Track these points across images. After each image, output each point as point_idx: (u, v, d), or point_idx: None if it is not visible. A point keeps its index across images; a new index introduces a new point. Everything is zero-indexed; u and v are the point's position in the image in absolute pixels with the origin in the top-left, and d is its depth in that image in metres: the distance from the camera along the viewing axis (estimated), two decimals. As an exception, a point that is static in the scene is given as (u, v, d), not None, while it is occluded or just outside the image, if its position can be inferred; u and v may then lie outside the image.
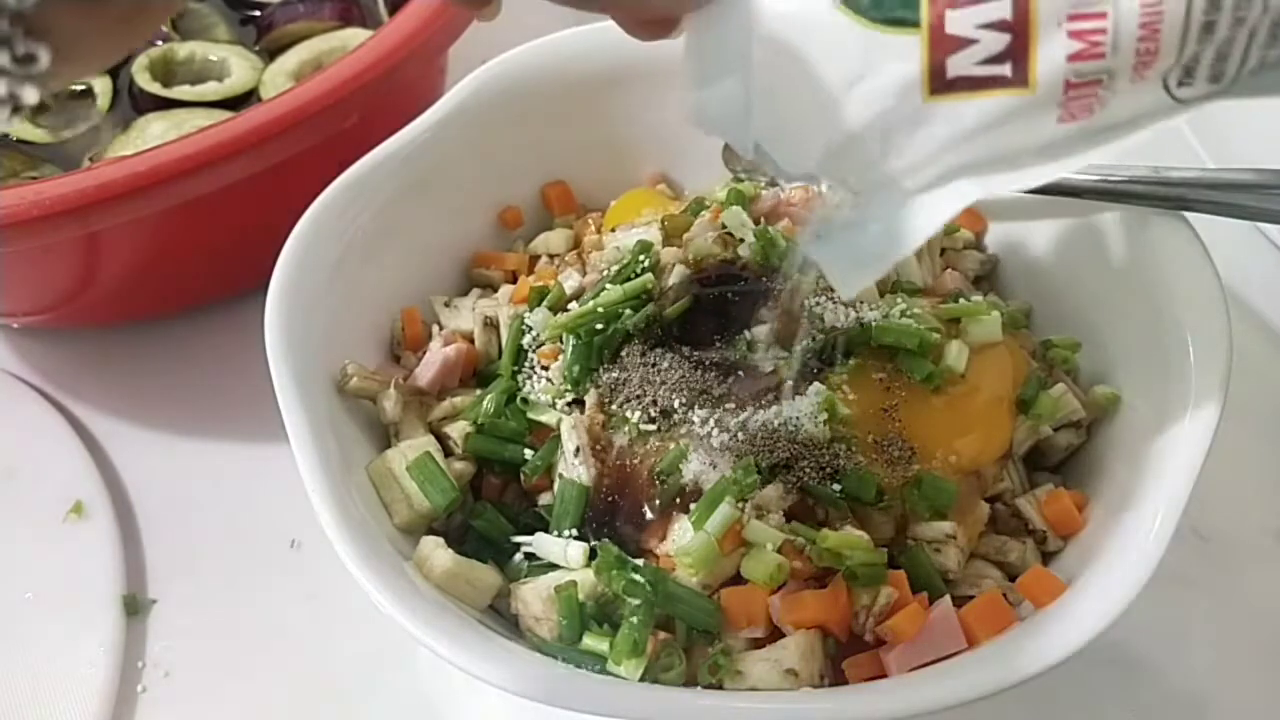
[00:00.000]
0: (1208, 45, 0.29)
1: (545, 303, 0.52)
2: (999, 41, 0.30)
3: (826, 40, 0.32)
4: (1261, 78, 0.30)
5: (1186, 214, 0.48)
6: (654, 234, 0.54)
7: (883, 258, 0.34)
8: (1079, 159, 0.32)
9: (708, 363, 0.47)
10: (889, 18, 0.31)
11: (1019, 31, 0.30)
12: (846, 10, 0.31)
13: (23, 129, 0.68)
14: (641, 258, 0.51)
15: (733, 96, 0.34)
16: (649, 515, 0.44)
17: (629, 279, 0.50)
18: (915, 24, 0.31)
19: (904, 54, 0.31)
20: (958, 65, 0.31)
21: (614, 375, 0.48)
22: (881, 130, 0.32)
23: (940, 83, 0.31)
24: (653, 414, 0.46)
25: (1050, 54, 0.30)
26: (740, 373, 0.47)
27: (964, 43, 0.30)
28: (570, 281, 0.53)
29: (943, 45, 0.30)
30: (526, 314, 0.52)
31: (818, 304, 0.48)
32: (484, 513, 0.47)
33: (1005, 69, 0.30)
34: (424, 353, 0.53)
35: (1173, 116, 0.31)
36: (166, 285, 0.66)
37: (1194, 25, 0.29)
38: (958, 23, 0.30)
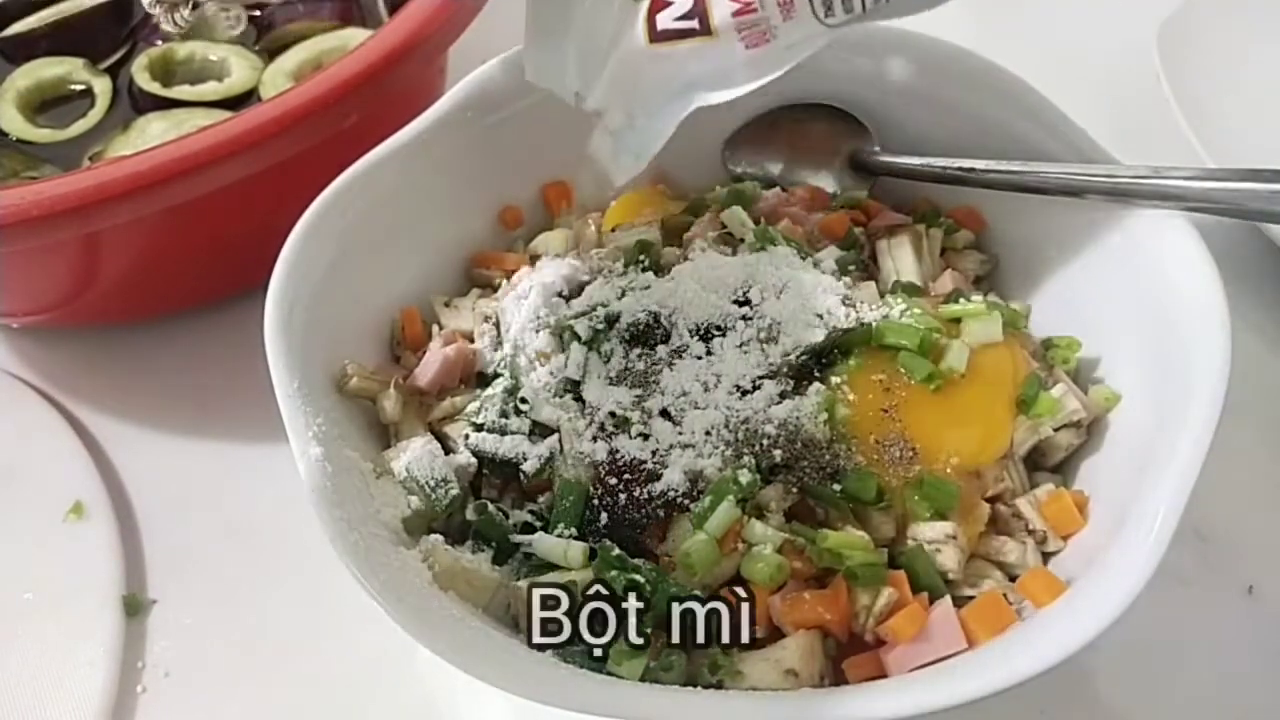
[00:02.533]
0: None
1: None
2: (686, 3, 0.46)
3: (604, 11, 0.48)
4: (892, 5, 0.45)
5: (1186, 214, 0.48)
6: (654, 234, 0.54)
7: (645, 152, 0.49)
8: (777, 70, 0.46)
9: (708, 362, 0.47)
10: None
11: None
12: None
13: (23, 129, 0.68)
14: (641, 258, 0.51)
15: (560, 54, 0.50)
16: (648, 515, 0.44)
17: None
18: None
19: (637, 17, 0.47)
20: (663, 20, 0.46)
21: (614, 375, 0.48)
22: (632, 66, 0.48)
23: (655, 33, 0.46)
24: (653, 413, 0.46)
25: (720, 12, 0.45)
26: (742, 372, 0.47)
27: (665, 5, 0.46)
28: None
29: (655, 6, 0.46)
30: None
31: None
32: (484, 512, 0.47)
33: (694, 23, 0.46)
34: (424, 353, 0.53)
35: (831, 36, 0.45)
36: (166, 285, 0.66)
37: None
38: None
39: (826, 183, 0.59)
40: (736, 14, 0.45)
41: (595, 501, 0.45)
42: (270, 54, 0.72)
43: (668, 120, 0.48)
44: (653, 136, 0.49)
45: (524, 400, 0.49)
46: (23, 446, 0.62)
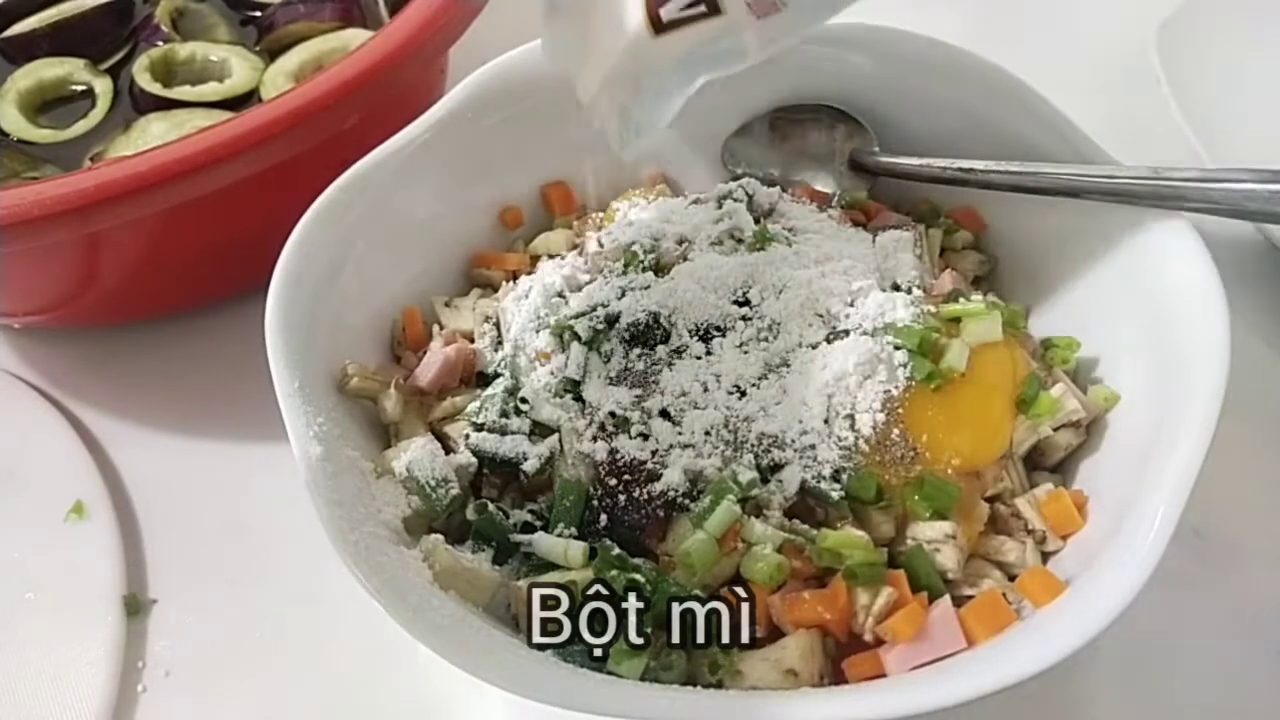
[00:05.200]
0: None
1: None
2: None
3: None
4: None
5: (1186, 214, 0.48)
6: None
7: (650, 125, 0.47)
8: (790, 38, 0.44)
9: (708, 362, 0.47)
10: None
11: None
12: None
13: (24, 129, 0.68)
14: (641, 258, 0.51)
15: (567, 34, 0.47)
16: (648, 515, 0.44)
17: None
18: None
19: (636, 5, 0.43)
20: (669, 12, 0.43)
21: (614, 375, 0.48)
22: (636, 53, 0.44)
23: (660, 25, 0.43)
24: (652, 413, 0.46)
25: None
26: (741, 372, 0.47)
27: None
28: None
29: None
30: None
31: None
32: (484, 512, 0.47)
33: (701, 7, 0.42)
34: (424, 353, 0.53)
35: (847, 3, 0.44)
36: (166, 285, 0.66)
37: None
38: None
39: (826, 183, 0.59)
40: None
41: (595, 502, 0.45)
42: (271, 55, 0.72)
43: (675, 96, 0.47)
44: (659, 111, 0.47)
45: (524, 400, 0.49)
46: (23, 446, 0.62)
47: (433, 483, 0.47)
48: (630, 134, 0.48)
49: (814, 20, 0.45)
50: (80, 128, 0.68)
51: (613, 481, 0.45)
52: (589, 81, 0.47)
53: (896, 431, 0.45)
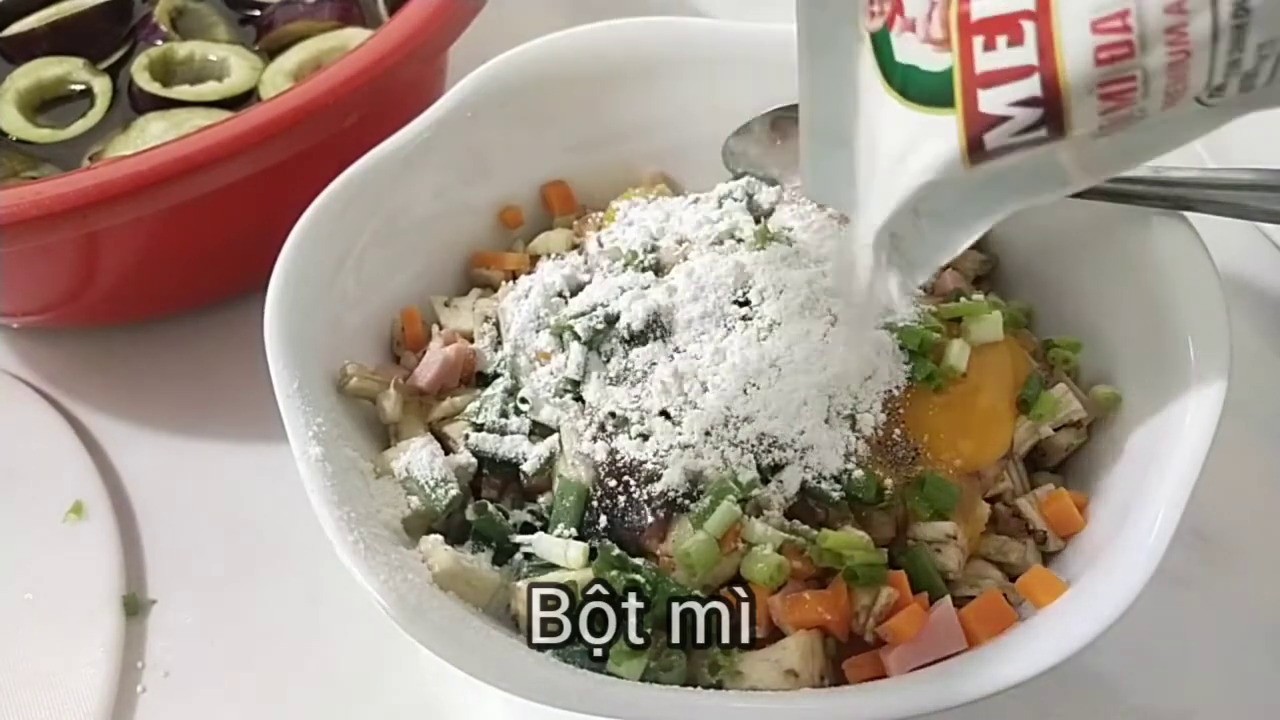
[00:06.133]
0: (1234, 74, 0.29)
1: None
2: (1032, 115, 0.31)
3: (885, 116, 0.35)
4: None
5: (1186, 214, 0.48)
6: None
7: (925, 264, 0.38)
8: (1124, 169, 0.35)
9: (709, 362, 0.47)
10: (924, 98, 0.33)
11: (1051, 103, 0.30)
12: (890, 89, 0.35)
13: (23, 129, 0.68)
14: (641, 258, 0.51)
15: (837, 165, 0.39)
16: (648, 515, 0.44)
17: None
18: (950, 104, 0.32)
19: (942, 132, 0.33)
20: (995, 139, 0.32)
21: (614, 375, 0.48)
22: (927, 198, 0.35)
23: (980, 155, 0.32)
24: (652, 413, 0.46)
25: (1084, 115, 0.31)
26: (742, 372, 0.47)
27: (998, 120, 0.31)
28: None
29: (978, 123, 0.32)
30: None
31: None
32: (484, 512, 0.47)
33: (1042, 132, 0.31)
34: (424, 353, 0.53)
35: (1204, 126, 0.33)
36: (166, 285, 0.66)
37: (1221, 53, 0.29)
38: (991, 101, 0.31)
39: (827, 183, 0.59)
40: (1106, 111, 0.31)
41: (595, 502, 0.45)
42: (270, 54, 0.72)
43: (968, 228, 0.37)
44: (944, 244, 0.37)
45: (524, 400, 0.49)
46: (23, 446, 0.62)
47: (432, 483, 0.47)
48: (901, 270, 0.39)
49: (1151, 151, 0.34)
50: (79, 127, 0.68)
51: (612, 482, 0.45)
52: (870, 218, 0.38)
53: (897, 432, 0.45)
